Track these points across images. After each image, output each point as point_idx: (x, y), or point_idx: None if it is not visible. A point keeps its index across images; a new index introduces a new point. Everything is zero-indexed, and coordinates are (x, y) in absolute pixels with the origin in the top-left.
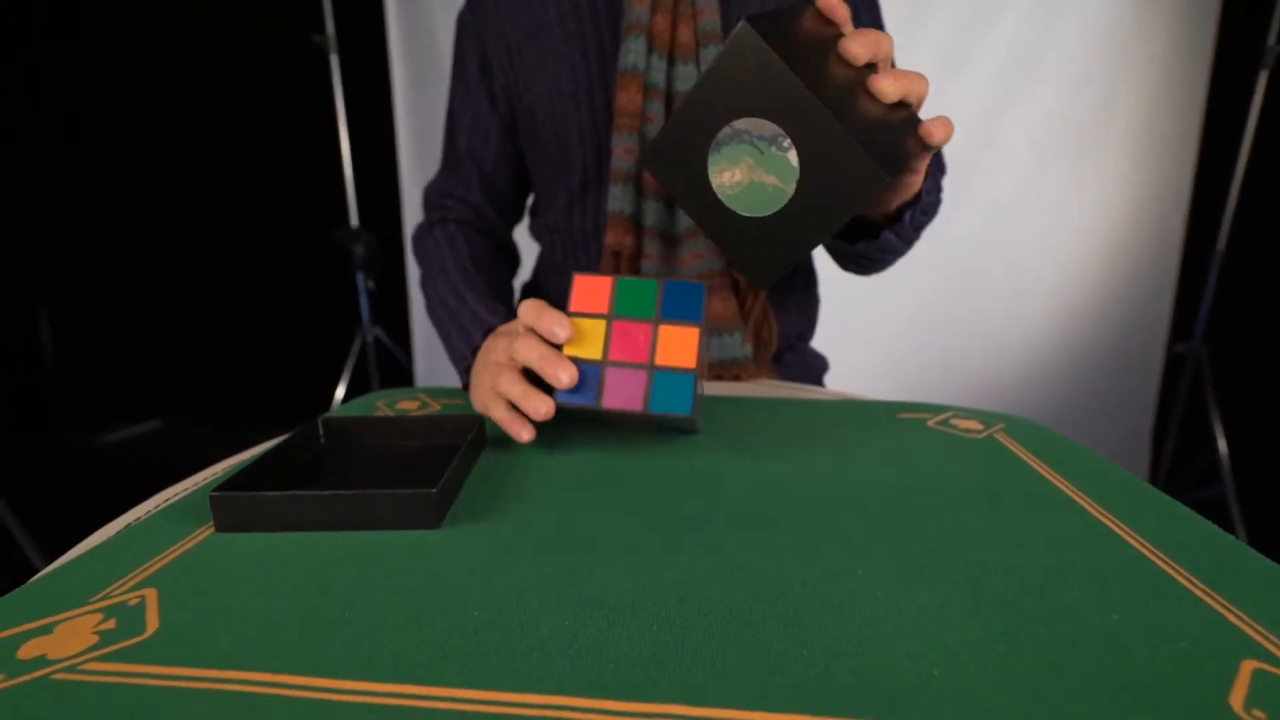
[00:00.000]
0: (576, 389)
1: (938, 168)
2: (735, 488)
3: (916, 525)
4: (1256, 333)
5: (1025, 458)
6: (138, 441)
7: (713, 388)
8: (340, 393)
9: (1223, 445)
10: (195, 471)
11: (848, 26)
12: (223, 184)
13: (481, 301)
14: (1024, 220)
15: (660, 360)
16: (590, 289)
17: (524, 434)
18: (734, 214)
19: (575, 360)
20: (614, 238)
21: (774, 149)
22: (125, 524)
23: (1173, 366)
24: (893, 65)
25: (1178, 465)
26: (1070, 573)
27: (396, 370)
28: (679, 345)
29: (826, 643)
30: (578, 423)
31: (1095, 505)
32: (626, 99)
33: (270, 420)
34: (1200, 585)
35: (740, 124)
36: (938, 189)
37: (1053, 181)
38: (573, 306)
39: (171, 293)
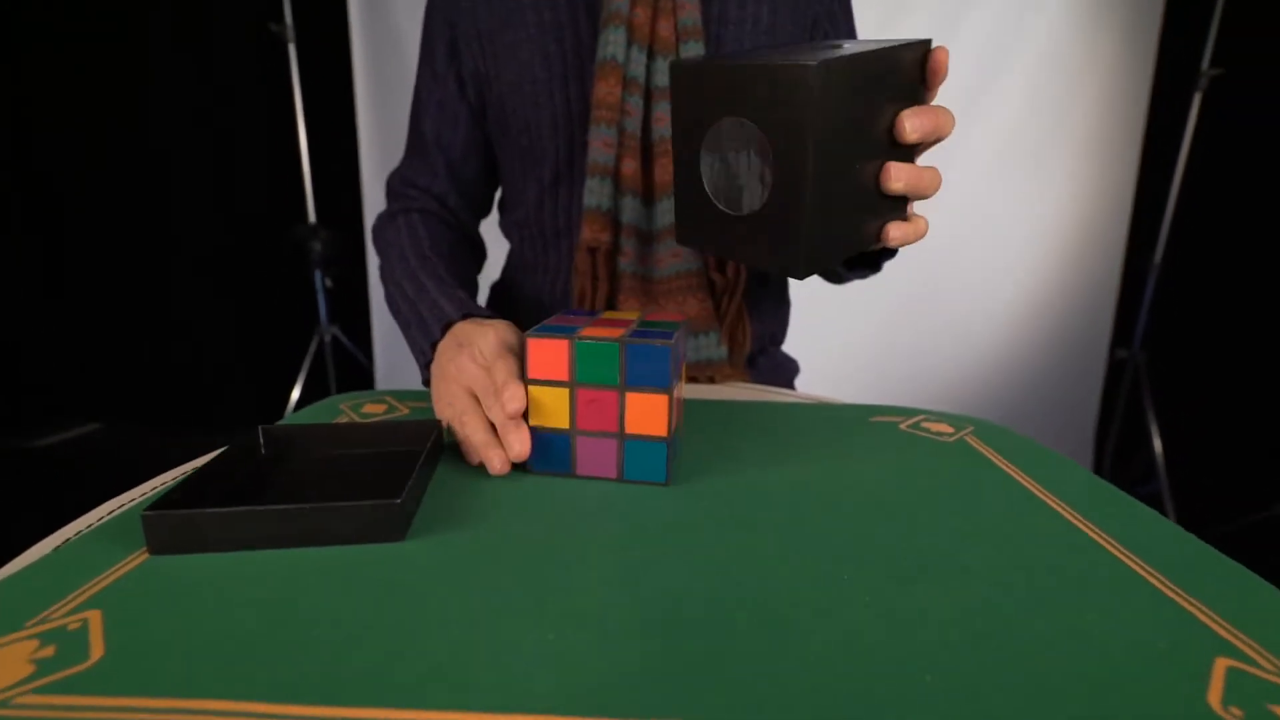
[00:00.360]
0: (549, 458)
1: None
2: (714, 492)
3: (898, 529)
4: (1189, 339)
5: (996, 460)
6: (75, 445)
7: (688, 390)
8: (296, 394)
9: (1158, 445)
10: (139, 478)
11: (931, 91)
12: (175, 177)
13: (442, 291)
14: (979, 234)
15: (630, 429)
16: (546, 354)
17: (473, 460)
18: (699, 177)
19: (543, 430)
20: (590, 233)
21: (765, 170)
22: (63, 539)
23: (1114, 371)
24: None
25: (1118, 464)
26: (1046, 575)
27: (356, 371)
28: (648, 413)
29: (815, 649)
30: None
31: (1066, 507)
32: (605, 90)
33: (222, 423)
34: (1171, 585)
35: (756, 130)
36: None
37: (1006, 198)
38: (531, 373)
39: (116, 288)
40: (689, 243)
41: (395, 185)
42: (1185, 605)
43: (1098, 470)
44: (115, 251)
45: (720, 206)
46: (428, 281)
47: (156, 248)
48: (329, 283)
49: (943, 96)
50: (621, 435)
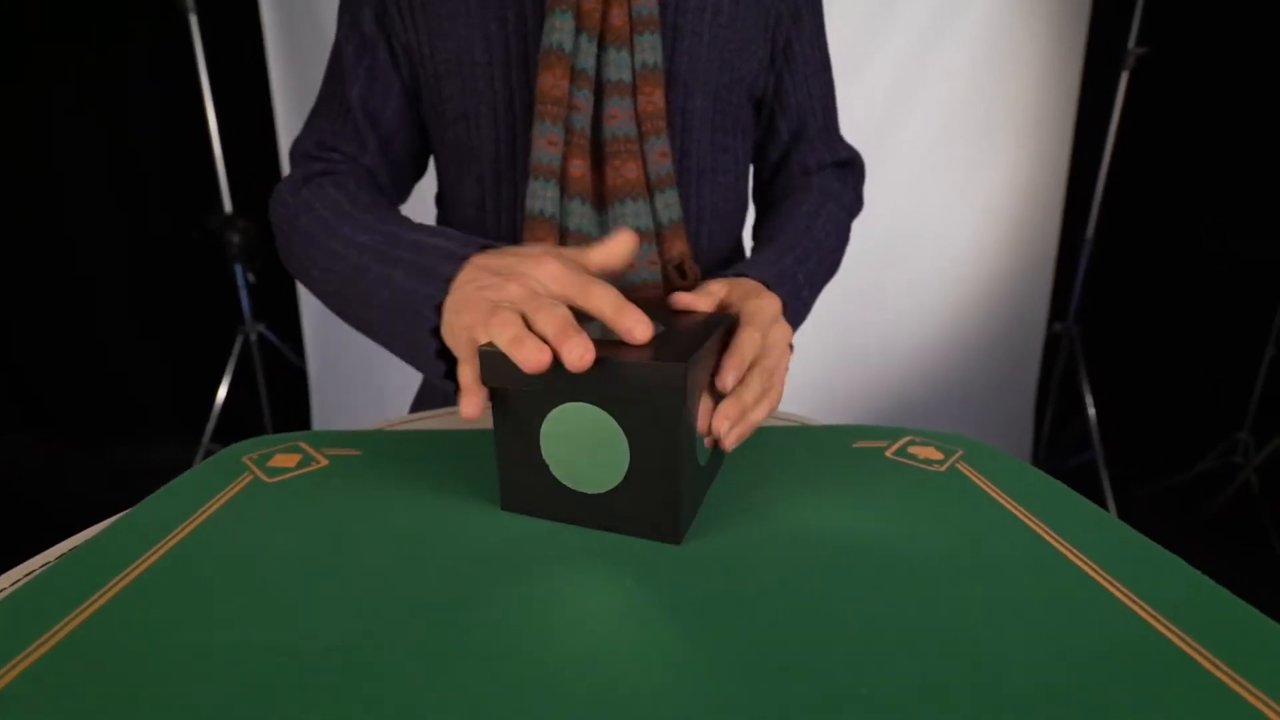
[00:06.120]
0: None
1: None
2: (711, 552)
3: (903, 594)
4: (1121, 312)
5: (994, 494)
6: None
7: None
8: (221, 395)
9: (1092, 413)
10: (46, 493)
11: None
12: (67, 167)
13: (428, 233)
14: (920, 217)
15: None
16: None
17: (532, 360)
18: (537, 452)
19: None
20: (533, 241)
21: (622, 450)
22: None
23: (1051, 344)
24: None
25: (1055, 433)
26: (1077, 648)
27: (286, 369)
28: None
29: None
30: None
31: (1086, 559)
32: (551, 83)
33: (138, 433)
34: (1219, 663)
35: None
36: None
37: (945, 181)
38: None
39: (9, 292)
40: (515, 509)
41: (310, 149)
42: (1220, 675)
43: (1036, 438)
44: (9, 258)
45: (565, 482)
46: (399, 226)
47: (51, 247)
48: (251, 277)
49: (878, 85)
50: None
